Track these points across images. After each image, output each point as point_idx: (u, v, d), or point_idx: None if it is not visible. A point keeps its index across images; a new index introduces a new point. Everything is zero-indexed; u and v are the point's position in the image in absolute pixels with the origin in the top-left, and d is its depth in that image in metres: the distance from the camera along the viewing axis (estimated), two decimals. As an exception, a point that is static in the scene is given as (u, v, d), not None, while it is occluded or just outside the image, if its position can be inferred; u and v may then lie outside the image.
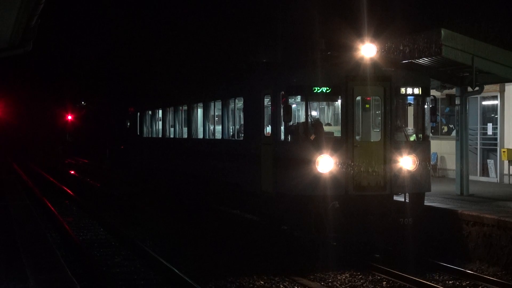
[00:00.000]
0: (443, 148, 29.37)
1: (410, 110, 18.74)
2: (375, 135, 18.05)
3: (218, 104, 22.41)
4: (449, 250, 17.62)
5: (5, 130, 75.03)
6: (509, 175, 26.42)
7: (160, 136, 30.30)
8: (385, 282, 14.90)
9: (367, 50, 17.22)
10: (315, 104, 19.62)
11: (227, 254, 17.68)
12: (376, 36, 19.40)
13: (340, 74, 17.09)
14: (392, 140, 17.33)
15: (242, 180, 19.96)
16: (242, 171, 19.89)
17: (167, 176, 29.02)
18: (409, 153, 17.34)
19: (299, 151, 16.95)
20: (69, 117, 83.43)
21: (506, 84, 25.93)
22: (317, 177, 16.65)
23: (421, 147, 17.71)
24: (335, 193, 16.69)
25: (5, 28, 13.59)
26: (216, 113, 22.93)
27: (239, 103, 20.94)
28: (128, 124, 37.64)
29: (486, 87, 23.05)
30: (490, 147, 27.65)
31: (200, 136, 24.43)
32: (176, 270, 14.61)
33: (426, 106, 17.93)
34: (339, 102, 17.63)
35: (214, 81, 25.07)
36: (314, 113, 19.78)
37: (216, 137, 22.87)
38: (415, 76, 18.19)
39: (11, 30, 13.77)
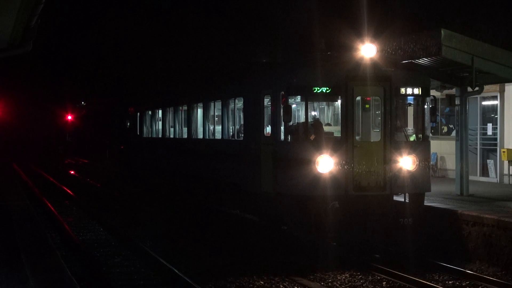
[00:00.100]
0: (443, 148, 29.38)
1: (410, 110, 18.75)
2: (375, 135, 18.05)
3: (218, 104, 22.41)
4: (449, 250, 17.62)
5: (5, 130, 75.02)
6: (509, 175, 26.42)
7: (160, 136, 30.30)
8: (385, 282, 14.90)
9: (367, 50, 17.22)
10: (315, 104, 19.63)
11: (227, 254, 17.68)
12: (376, 36, 19.39)
13: (340, 74, 17.10)
14: (392, 140, 17.34)
15: (242, 180, 19.96)
16: (242, 171, 19.89)
17: (167, 176, 29.03)
18: (409, 153, 17.35)
19: (299, 151, 16.95)
20: (69, 117, 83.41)
21: (506, 84, 25.93)
22: (317, 177, 16.65)
23: (421, 147, 17.72)
24: (335, 193, 16.70)
25: (5, 28, 13.57)
26: (216, 113, 22.93)
27: (239, 103, 20.94)
28: (128, 124, 37.64)
29: (486, 87, 23.04)
30: (490, 147, 27.64)
31: (200, 136, 24.43)
32: (176, 270, 14.61)
33: (426, 106, 17.93)
34: (339, 102, 17.63)
35: (214, 81, 25.07)
36: (314, 113, 19.79)
37: (216, 137, 22.87)
38: (415, 76, 18.20)
39: (11, 30, 13.75)
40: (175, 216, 24.99)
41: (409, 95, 17.87)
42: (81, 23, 64.89)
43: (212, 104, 23.06)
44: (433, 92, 21.45)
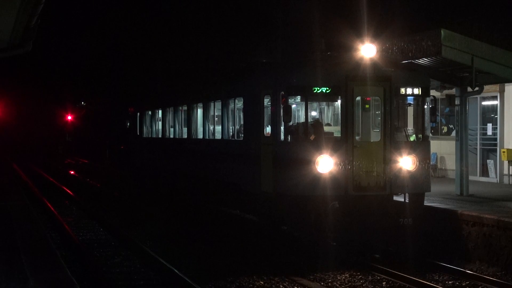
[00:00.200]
0: (443, 148, 29.38)
1: (410, 110, 18.75)
2: (375, 135, 18.06)
3: (218, 104, 22.40)
4: (449, 250, 17.62)
5: (5, 130, 75.05)
6: (509, 175, 26.42)
7: (160, 136, 30.30)
8: (385, 282, 14.90)
9: (367, 50, 17.23)
10: (315, 104, 19.63)
11: (227, 254, 17.68)
12: (376, 36, 19.41)
13: (340, 74, 17.10)
14: (392, 140, 17.34)
15: (242, 180, 19.96)
16: (242, 171, 19.89)
17: (167, 176, 29.02)
18: (409, 153, 17.35)
19: (299, 151, 16.96)
20: (69, 117, 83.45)
21: (506, 84, 25.93)
22: (317, 178, 16.66)
23: (421, 147, 17.72)
24: (335, 193, 16.70)
25: (5, 28, 13.58)
26: (216, 113, 22.93)
27: (239, 103, 20.94)
28: (128, 124, 37.64)
29: (486, 87, 23.05)
30: (490, 147, 27.65)
31: (200, 136, 24.43)
32: (176, 270, 14.61)
33: (426, 106, 17.94)
34: (339, 102, 17.63)
35: (214, 81, 25.06)
36: (314, 113, 19.79)
37: (216, 137, 22.87)
38: (415, 76, 18.19)
39: (11, 30, 13.76)
40: (175, 216, 24.99)
41: (409, 95, 17.87)
42: (80, 23, 64.90)
43: (212, 104, 23.06)
44: (433, 92, 21.45)
